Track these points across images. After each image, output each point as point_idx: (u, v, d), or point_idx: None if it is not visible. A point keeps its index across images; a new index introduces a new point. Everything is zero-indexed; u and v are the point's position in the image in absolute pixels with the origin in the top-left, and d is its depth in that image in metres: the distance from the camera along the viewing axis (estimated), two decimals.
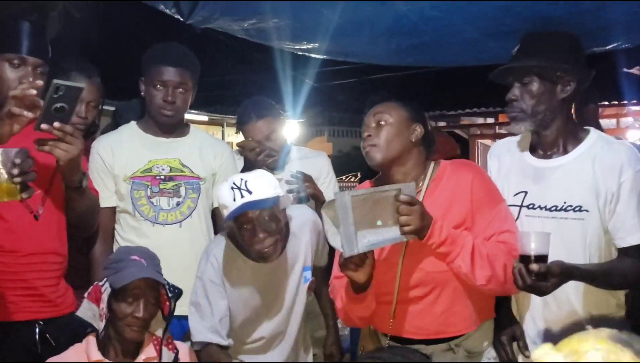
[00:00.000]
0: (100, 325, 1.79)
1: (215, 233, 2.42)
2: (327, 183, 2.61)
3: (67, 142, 1.66)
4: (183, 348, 1.98)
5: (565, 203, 1.78)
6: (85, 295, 1.82)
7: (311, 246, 2.17)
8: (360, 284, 1.73)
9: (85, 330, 1.83)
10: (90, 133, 2.40)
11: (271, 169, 2.61)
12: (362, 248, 1.60)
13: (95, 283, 1.84)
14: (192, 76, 2.31)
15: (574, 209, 1.77)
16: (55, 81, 1.59)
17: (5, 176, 1.51)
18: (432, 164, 1.87)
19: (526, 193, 1.85)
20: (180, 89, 2.27)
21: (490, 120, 8.27)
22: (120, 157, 2.29)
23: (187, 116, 2.45)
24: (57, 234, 1.93)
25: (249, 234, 1.98)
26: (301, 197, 2.39)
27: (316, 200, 2.45)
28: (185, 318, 2.24)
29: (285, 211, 2.07)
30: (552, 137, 1.85)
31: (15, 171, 1.50)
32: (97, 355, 1.80)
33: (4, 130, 1.61)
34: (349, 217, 1.57)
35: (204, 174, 2.34)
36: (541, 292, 1.58)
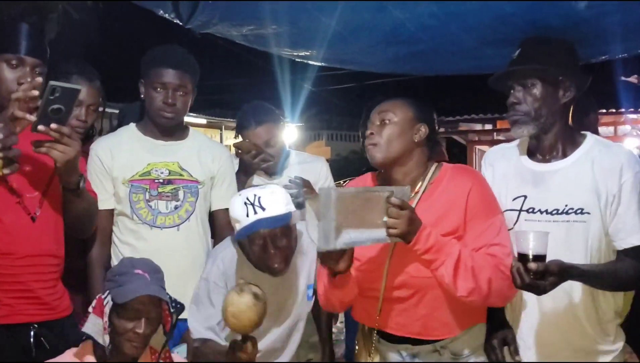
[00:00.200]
0: (105, 339, 1.75)
1: (213, 236, 2.43)
2: None
3: (64, 143, 1.66)
4: (178, 360, 1.97)
5: (566, 206, 1.78)
6: (90, 309, 1.79)
7: (316, 264, 2.16)
8: (339, 272, 1.74)
9: (80, 334, 1.81)
10: (89, 136, 2.40)
11: (269, 173, 2.62)
12: (340, 244, 1.60)
13: (98, 296, 1.82)
14: (192, 79, 2.31)
15: (575, 212, 1.78)
16: (52, 83, 1.59)
17: None
18: (433, 166, 1.86)
19: (525, 197, 1.85)
20: (180, 92, 2.27)
21: (488, 126, 8.31)
22: (119, 159, 2.29)
23: (185, 119, 2.45)
24: (54, 236, 1.92)
25: (260, 249, 2.00)
26: (299, 202, 2.40)
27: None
28: (181, 321, 2.24)
29: (296, 226, 2.08)
30: (551, 141, 1.86)
31: None
32: (92, 361, 1.78)
33: None
34: (330, 213, 1.56)
35: (203, 177, 2.34)
36: (539, 291, 1.58)
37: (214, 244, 2.40)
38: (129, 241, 2.27)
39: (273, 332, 2.18)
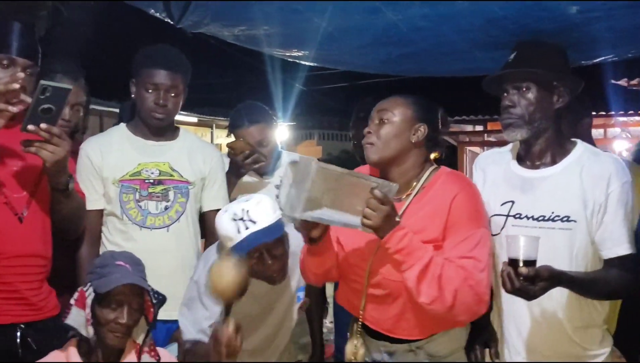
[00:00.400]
0: (89, 331, 1.76)
1: (202, 237, 2.42)
2: None
3: (54, 143, 1.65)
4: (165, 355, 1.97)
5: (553, 213, 1.78)
6: (72, 301, 1.80)
7: None
8: (314, 239, 1.75)
9: (67, 334, 1.80)
10: (72, 134, 2.38)
11: (261, 173, 2.62)
12: (305, 216, 1.59)
13: (80, 289, 1.82)
14: (183, 79, 2.30)
15: (561, 220, 1.78)
16: (43, 82, 1.58)
17: None
18: (429, 169, 1.84)
19: (513, 202, 1.85)
20: (172, 93, 2.26)
21: (479, 128, 8.36)
22: (110, 159, 2.27)
23: (176, 117, 2.44)
24: (41, 236, 1.91)
25: (258, 262, 1.95)
26: None
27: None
28: (171, 322, 2.24)
29: (286, 232, 2.04)
30: (542, 147, 1.86)
31: None
32: (78, 360, 1.78)
33: None
34: (305, 183, 1.55)
35: (193, 178, 2.33)
36: (529, 296, 1.57)
37: (204, 245, 2.39)
38: (118, 242, 2.26)
39: (260, 332, 2.17)
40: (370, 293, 1.84)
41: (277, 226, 1.94)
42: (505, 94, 1.85)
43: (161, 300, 1.85)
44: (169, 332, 2.26)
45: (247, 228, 1.89)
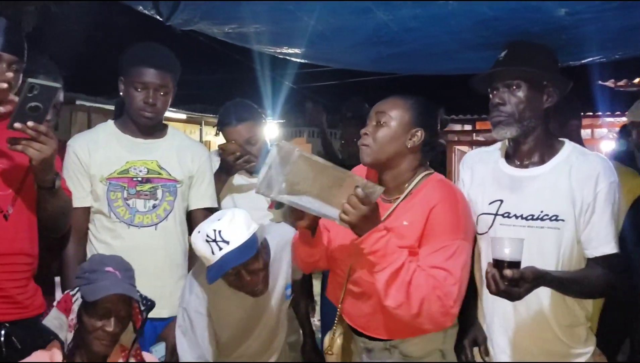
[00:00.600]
0: (67, 336, 1.73)
1: (190, 235, 2.40)
2: None
3: (41, 142, 1.63)
4: (150, 358, 1.96)
5: (542, 212, 1.79)
6: (55, 303, 1.77)
7: (290, 264, 2.16)
8: (304, 230, 1.77)
9: (51, 335, 1.78)
10: None
11: (250, 172, 2.60)
12: (281, 199, 1.60)
13: (66, 292, 1.79)
14: (173, 78, 2.29)
15: (550, 219, 1.78)
16: (30, 80, 1.56)
17: None
18: (421, 174, 1.84)
19: (502, 201, 1.86)
20: (161, 92, 2.24)
21: (468, 127, 8.40)
22: (97, 157, 2.25)
23: (165, 114, 2.42)
24: (27, 234, 1.89)
25: (235, 279, 1.93)
26: (279, 202, 2.38)
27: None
28: (158, 320, 2.23)
29: (265, 239, 2.02)
30: (531, 146, 1.86)
31: None
32: (61, 361, 1.76)
33: None
34: (284, 168, 1.56)
35: (181, 176, 2.32)
36: (514, 298, 1.58)
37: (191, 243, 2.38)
38: (106, 240, 2.24)
39: (257, 339, 2.17)
40: (349, 289, 1.87)
41: (251, 243, 1.88)
42: (495, 92, 1.85)
43: (150, 306, 1.84)
44: (156, 330, 2.25)
45: (220, 249, 1.85)
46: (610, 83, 5.58)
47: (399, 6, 1.98)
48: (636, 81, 5.74)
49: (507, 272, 1.53)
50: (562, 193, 1.79)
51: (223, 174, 2.48)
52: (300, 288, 2.39)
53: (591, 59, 2.52)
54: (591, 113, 6.59)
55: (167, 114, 2.48)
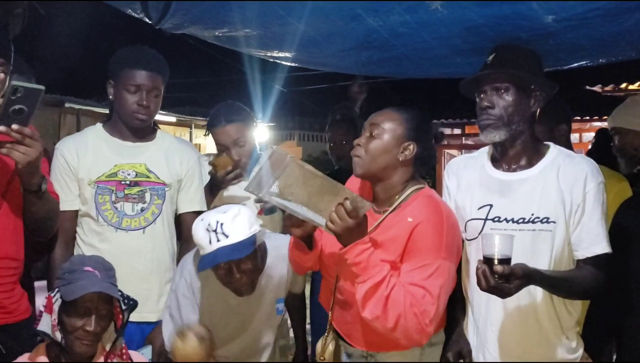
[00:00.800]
0: (57, 336, 1.73)
1: (179, 239, 2.40)
2: None
3: (26, 145, 1.62)
4: (138, 357, 1.95)
5: (533, 214, 1.80)
6: (42, 307, 1.76)
7: (286, 277, 2.17)
8: (299, 239, 1.79)
9: (37, 338, 1.77)
10: None
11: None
12: (270, 199, 1.62)
13: (48, 295, 1.78)
14: (163, 80, 2.30)
15: (541, 221, 1.79)
16: (14, 83, 1.56)
17: None
18: (412, 188, 1.84)
19: (491, 206, 1.86)
20: (154, 93, 2.25)
21: (457, 131, 8.44)
22: (85, 160, 2.24)
23: (155, 117, 2.42)
24: (13, 238, 1.87)
25: (225, 273, 1.96)
26: (270, 208, 2.37)
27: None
28: (145, 324, 2.23)
29: (263, 244, 2.05)
30: (518, 150, 1.87)
31: None
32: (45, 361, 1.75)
33: None
34: (275, 172, 1.58)
35: (170, 180, 2.31)
36: (503, 294, 1.58)
37: (180, 247, 2.37)
38: (93, 243, 2.23)
39: (240, 344, 2.17)
40: (336, 296, 1.89)
41: (249, 243, 1.91)
42: (483, 96, 1.85)
43: (131, 305, 1.83)
44: (144, 334, 2.24)
45: (218, 241, 1.89)
46: (597, 88, 5.64)
47: (388, 12, 1.99)
48: (623, 85, 5.80)
49: (498, 268, 1.53)
50: (551, 195, 1.80)
51: (214, 188, 2.46)
52: (300, 302, 2.40)
53: (578, 64, 2.54)
54: (579, 118, 6.64)
55: (157, 117, 2.48)
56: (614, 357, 2.25)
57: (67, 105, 5.59)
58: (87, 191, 2.23)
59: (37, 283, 2.35)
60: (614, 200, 2.21)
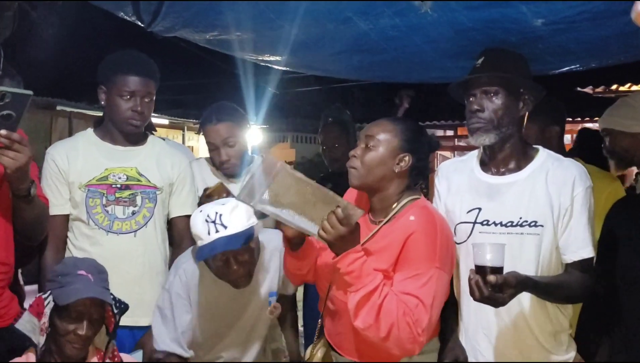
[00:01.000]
0: (40, 339, 1.72)
1: (170, 243, 2.40)
2: None
3: (15, 150, 1.61)
4: (129, 359, 1.95)
5: (521, 218, 1.80)
6: (27, 306, 1.76)
7: (279, 272, 2.18)
8: (290, 239, 1.79)
9: (26, 342, 1.76)
10: None
11: (228, 176, 2.58)
12: (262, 209, 1.63)
13: (38, 295, 1.78)
14: (155, 85, 2.30)
15: (529, 225, 1.79)
16: (1, 88, 1.56)
17: None
18: (407, 199, 1.84)
19: (480, 209, 1.87)
20: (147, 99, 2.25)
21: (450, 133, 8.47)
22: (76, 164, 2.25)
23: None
24: (2, 243, 1.86)
25: (222, 265, 1.99)
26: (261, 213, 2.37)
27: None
28: (137, 328, 2.22)
29: (258, 237, 2.07)
30: (507, 153, 1.87)
31: None
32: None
33: None
34: (266, 180, 1.59)
35: (161, 183, 2.31)
36: (497, 303, 1.58)
37: (172, 251, 2.37)
38: (84, 247, 2.23)
39: (234, 340, 2.17)
40: (327, 306, 1.89)
41: (247, 235, 1.95)
42: (472, 99, 1.86)
43: (123, 309, 1.83)
44: (136, 338, 2.24)
45: (216, 231, 1.93)
46: (588, 89, 5.67)
47: (378, 16, 2.00)
48: (613, 87, 5.83)
49: (491, 278, 1.53)
50: (540, 198, 1.80)
51: None
52: (291, 304, 2.41)
53: (568, 68, 2.55)
54: (570, 119, 6.67)
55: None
56: (607, 358, 2.26)
57: (58, 108, 5.57)
58: (78, 195, 2.23)
59: (27, 287, 2.35)
60: (607, 200, 2.22)
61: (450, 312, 1.94)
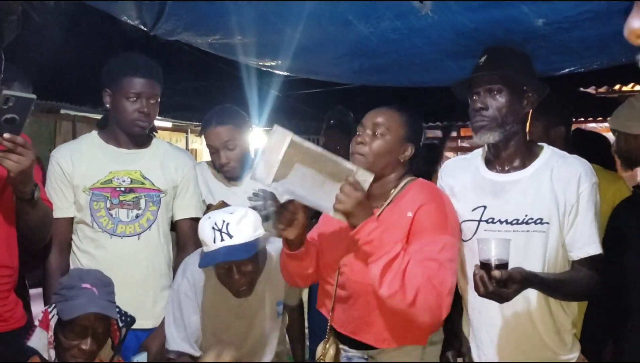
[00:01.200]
0: (51, 354, 1.71)
1: (174, 246, 2.40)
2: None
3: (18, 153, 1.62)
4: None
5: (526, 216, 1.80)
6: (36, 322, 1.75)
7: (287, 287, 2.19)
8: (291, 241, 1.78)
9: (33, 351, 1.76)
10: None
11: (229, 178, 2.58)
12: (277, 186, 1.62)
13: (45, 309, 1.77)
14: (160, 86, 2.31)
15: (535, 222, 1.79)
16: (5, 92, 1.57)
17: None
18: (404, 181, 1.87)
19: (485, 207, 1.86)
20: (153, 100, 2.27)
21: (453, 133, 8.46)
22: (80, 167, 2.25)
23: None
24: (6, 247, 1.87)
25: (225, 273, 2.00)
26: (265, 214, 2.37)
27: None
28: (141, 331, 2.23)
29: (265, 248, 2.08)
30: (512, 151, 1.87)
31: None
32: None
33: None
34: (280, 152, 1.57)
35: (165, 186, 2.32)
36: (502, 299, 1.57)
37: (176, 253, 2.38)
38: (88, 250, 2.24)
39: (244, 348, 2.17)
40: (338, 294, 1.88)
41: (251, 246, 1.95)
42: (476, 97, 1.85)
43: (129, 322, 1.82)
44: (139, 340, 2.24)
45: (222, 240, 1.93)
46: (591, 90, 5.67)
47: (379, 19, 2.00)
48: (616, 87, 5.83)
49: (496, 273, 1.53)
50: (545, 195, 1.80)
51: None
52: (298, 314, 2.41)
53: (569, 70, 2.55)
54: (573, 119, 6.65)
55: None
56: (612, 359, 2.25)
57: (62, 111, 5.58)
58: (82, 198, 2.23)
59: (32, 291, 2.36)
60: (612, 199, 2.22)
61: (453, 307, 1.94)
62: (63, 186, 2.24)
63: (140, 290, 2.23)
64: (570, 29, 2.03)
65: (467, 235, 1.88)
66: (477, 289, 1.57)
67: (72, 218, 2.26)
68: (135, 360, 2.13)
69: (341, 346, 1.93)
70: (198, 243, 2.12)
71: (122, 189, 2.26)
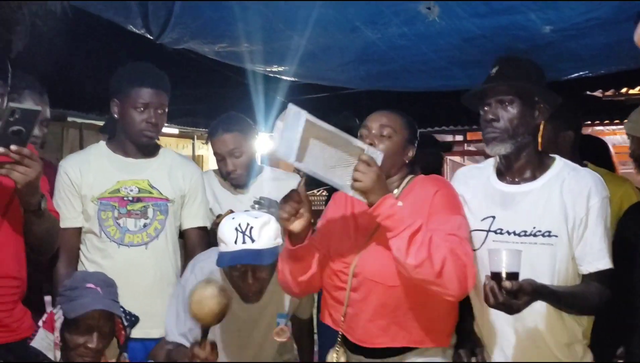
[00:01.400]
0: (56, 355, 1.73)
1: (182, 255, 2.40)
2: None
3: (25, 165, 1.63)
4: None
5: (534, 228, 1.79)
6: (40, 322, 1.76)
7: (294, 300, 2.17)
8: (295, 234, 1.76)
9: (39, 357, 1.76)
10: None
11: (235, 186, 2.58)
12: (300, 165, 1.61)
13: (50, 311, 1.79)
14: (167, 96, 2.33)
15: (543, 235, 1.78)
16: (11, 105, 1.58)
17: None
18: (408, 178, 1.92)
19: (494, 218, 1.85)
20: (160, 110, 2.28)
21: (459, 138, 8.45)
22: (88, 177, 2.26)
23: None
24: (14, 257, 1.86)
25: (239, 276, 2.00)
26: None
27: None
28: (149, 340, 2.23)
29: (279, 257, 2.05)
30: (523, 162, 1.86)
31: None
32: None
33: None
34: (297, 130, 1.58)
35: (173, 195, 2.32)
36: (512, 310, 1.56)
37: (184, 263, 2.37)
38: (96, 260, 2.24)
39: (242, 353, 2.16)
40: (352, 298, 1.85)
41: (271, 252, 1.96)
42: (487, 108, 1.84)
43: (133, 321, 1.83)
44: (147, 350, 2.24)
45: (243, 242, 1.94)
46: (598, 93, 5.64)
47: (386, 25, 2.00)
48: (623, 90, 5.80)
49: (507, 284, 1.52)
50: (554, 208, 1.79)
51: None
52: (307, 329, 2.41)
53: (577, 74, 2.54)
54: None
55: None
56: None
57: (69, 119, 5.60)
58: (90, 208, 2.24)
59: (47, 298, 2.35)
60: (620, 202, 2.20)
61: (464, 307, 1.92)
62: (71, 196, 2.25)
63: (148, 299, 2.23)
64: (578, 36, 2.03)
65: (476, 245, 1.87)
66: (486, 300, 1.57)
67: (80, 228, 2.27)
68: None
69: (354, 356, 1.90)
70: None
71: (130, 198, 2.26)
